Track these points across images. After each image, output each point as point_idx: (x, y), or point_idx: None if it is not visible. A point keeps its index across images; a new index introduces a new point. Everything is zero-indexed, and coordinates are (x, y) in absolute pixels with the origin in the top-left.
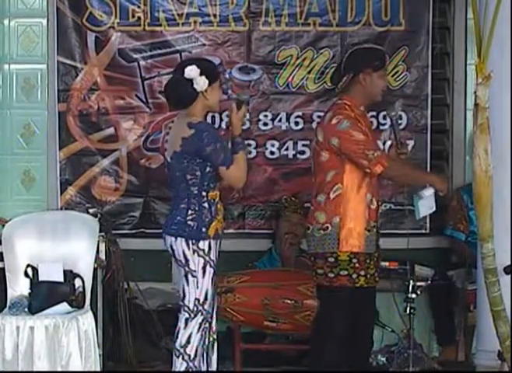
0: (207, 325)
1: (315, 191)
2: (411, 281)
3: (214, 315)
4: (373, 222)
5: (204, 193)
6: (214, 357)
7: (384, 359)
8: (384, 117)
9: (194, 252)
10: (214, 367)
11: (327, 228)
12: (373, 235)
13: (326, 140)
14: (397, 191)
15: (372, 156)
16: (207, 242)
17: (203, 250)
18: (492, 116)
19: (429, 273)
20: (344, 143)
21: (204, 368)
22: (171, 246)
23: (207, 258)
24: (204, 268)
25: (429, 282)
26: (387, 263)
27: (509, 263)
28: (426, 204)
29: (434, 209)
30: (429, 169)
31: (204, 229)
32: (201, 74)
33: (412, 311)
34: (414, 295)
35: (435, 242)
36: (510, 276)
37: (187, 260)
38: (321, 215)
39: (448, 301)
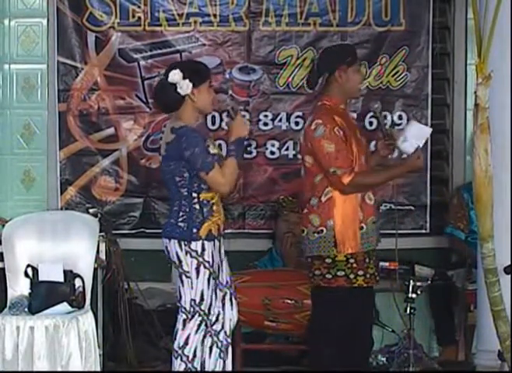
0: (216, 327)
1: (307, 194)
2: (411, 281)
3: (227, 318)
4: (372, 217)
5: (194, 195)
6: (228, 361)
7: (383, 359)
8: (385, 117)
9: (186, 254)
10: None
11: (323, 231)
12: (372, 231)
13: (306, 144)
14: (397, 191)
15: (331, 173)
16: (199, 243)
17: (196, 251)
18: (492, 116)
19: (429, 273)
20: (315, 151)
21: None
22: (166, 248)
23: (200, 259)
24: (197, 269)
25: (429, 282)
26: (387, 263)
27: (509, 263)
28: (414, 139)
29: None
30: (429, 169)
31: (195, 230)
32: (184, 78)
33: (412, 311)
34: (414, 295)
35: (435, 242)
36: (510, 276)
37: (180, 261)
38: (316, 218)
39: (448, 301)
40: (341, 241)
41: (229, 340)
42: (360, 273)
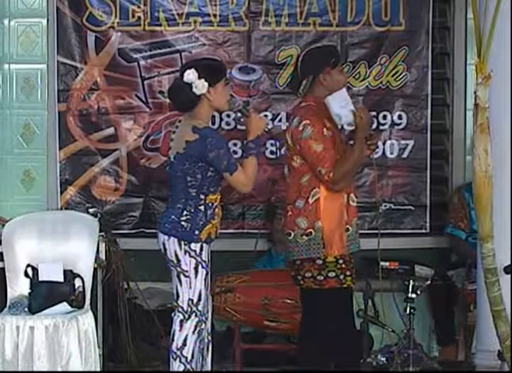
0: (203, 326)
1: (292, 195)
2: (411, 281)
3: (209, 317)
4: (356, 219)
5: (202, 196)
6: (208, 359)
7: (383, 359)
8: (384, 117)
9: (185, 253)
10: (209, 368)
11: (311, 233)
12: (356, 232)
13: (294, 145)
14: (397, 191)
15: (318, 172)
16: (199, 244)
17: (194, 251)
18: (492, 116)
19: (429, 273)
20: (304, 152)
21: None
22: (163, 244)
23: (198, 259)
24: (196, 268)
25: (428, 282)
26: (387, 263)
27: (509, 262)
28: (342, 109)
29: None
30: (429, 169)
31: (197, 232)
32: (199, 78)
33: (412, 311)
34: (414, 295)
35: (435, 241)
36: (509, 276)
37: (178, 260)
38: (303, 221)
39: (448, 301)
40: (328, 242)
41: (210, 338)
42: (348, 273)
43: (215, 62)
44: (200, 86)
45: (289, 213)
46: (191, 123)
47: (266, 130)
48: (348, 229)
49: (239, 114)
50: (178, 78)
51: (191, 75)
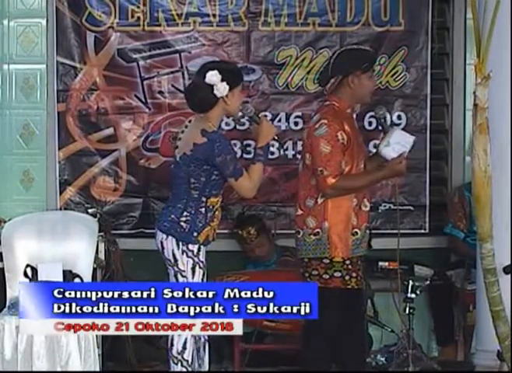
0: None
1: (304, 193)
2: (410, 281)
3: None
4: (366, 224)
5: (203, 199)
6: (206, 359)
7: (383, 359)
8: (385, 120)
9: (183, 253)
10: (206, 368)
11: (318, 233)
12: (364, 237)
13: (308, 141)
14: (396, 191)
15: (318, 172)
16: (196, 245)
17: (192, 251)
18: (492, 117)
19: (429, 273)
20: (312, 148)
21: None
22: (161, 243)
23: (196, 259)
24: (193, 269)
25: (428, 282)
26: (386, 263)
27: (508, 262)
28: (397, 145)
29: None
30: (428, 169)
31: (195, 234)
32: (222, 80)
33: (411, 311)
34: (413, 295)
35: (434, 241)
36: (509, 276)
37: (176, 260)
38: (312, 220)
39: (447, 301)
40: (333, 244)
41: (206, 337)
42: (353, 275)
43: (235, 66)
44: (222, 89)
45: (300, 211)
46: (200, 125)
47: (276, 138)
48: (356, 233)
49: (245, 118)
50: (198, 78)
51: (214, 77)
